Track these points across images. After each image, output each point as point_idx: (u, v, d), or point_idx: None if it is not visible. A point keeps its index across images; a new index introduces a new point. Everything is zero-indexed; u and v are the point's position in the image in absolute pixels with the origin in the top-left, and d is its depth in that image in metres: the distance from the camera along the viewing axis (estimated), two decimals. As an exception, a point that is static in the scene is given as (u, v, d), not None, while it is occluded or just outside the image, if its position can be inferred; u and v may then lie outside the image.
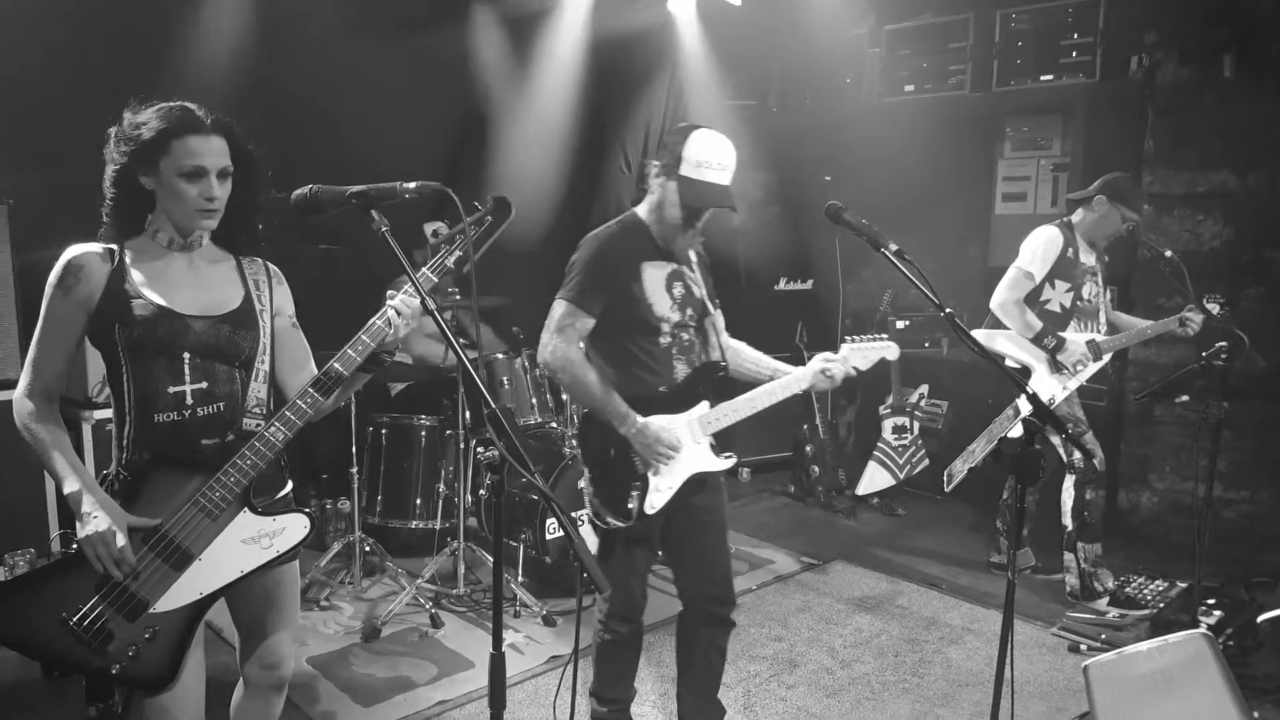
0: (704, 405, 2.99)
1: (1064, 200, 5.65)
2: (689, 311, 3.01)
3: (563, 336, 2.89)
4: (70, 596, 2.11)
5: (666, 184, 2.92)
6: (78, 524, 2.10)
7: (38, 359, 2.21)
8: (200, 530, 2.17)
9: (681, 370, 2.99)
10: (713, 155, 2.87)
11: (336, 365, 2.23)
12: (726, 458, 3.04)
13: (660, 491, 2.91)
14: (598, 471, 2.97)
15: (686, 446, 2.94)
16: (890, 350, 3.07)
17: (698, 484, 2.98)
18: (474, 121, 5.97)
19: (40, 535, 4.23)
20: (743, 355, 3.23)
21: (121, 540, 2.09)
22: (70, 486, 2.14)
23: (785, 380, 3.03)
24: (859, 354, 3.05)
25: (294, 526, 2.28)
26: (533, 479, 1.83)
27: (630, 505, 2.89)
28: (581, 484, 3.08)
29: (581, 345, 2.94)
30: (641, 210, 3.06)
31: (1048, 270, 4.59)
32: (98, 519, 2.08)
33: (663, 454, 2.87)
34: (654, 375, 2.96)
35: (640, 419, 2.86)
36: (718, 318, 3.16)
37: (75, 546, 2.09)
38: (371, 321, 2.25)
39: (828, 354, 3.04)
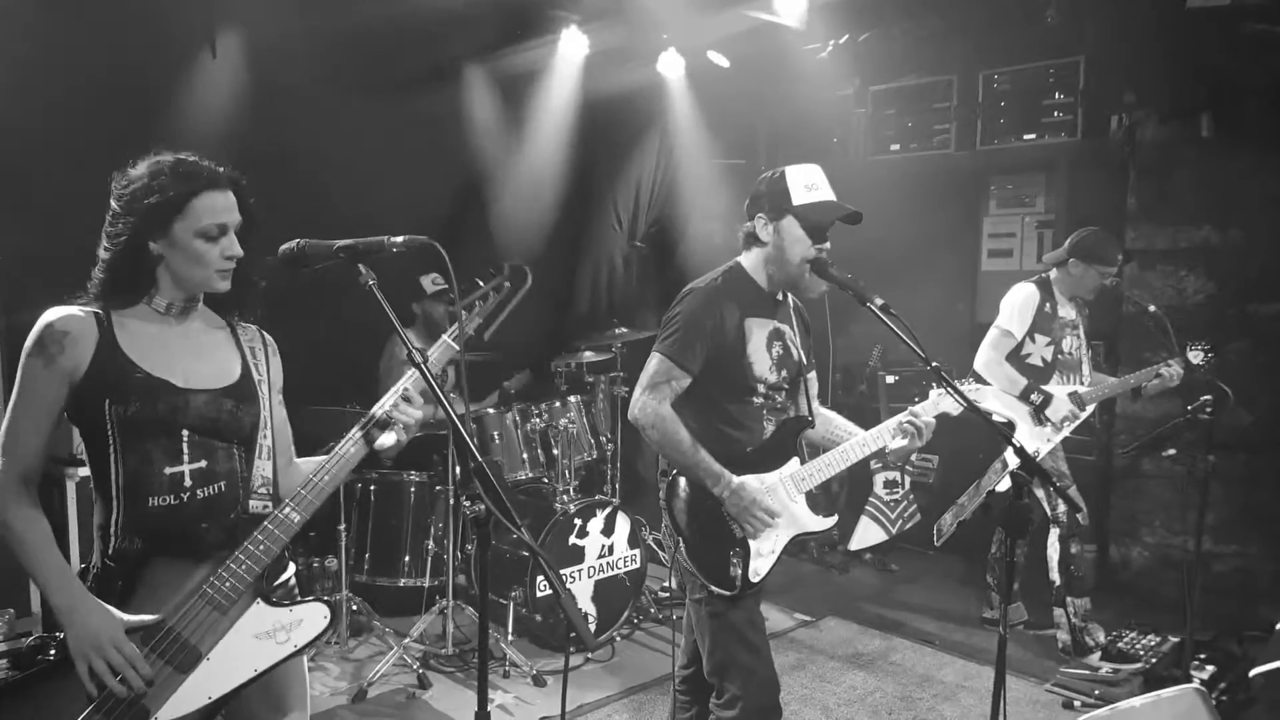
0: (794, 462, 2.86)
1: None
2: (784, 373, 2.89)
3: (655, 394, 2.75)
4: (54, 713, 1.86)
5: (780, 225, 2.79)
6: (68, 631, 1.86)
7: (13, 437, 1.96)
8: (208, 626, 1.94)
9: (769, 429, 2.87)
10: (816, 178, 2.81)
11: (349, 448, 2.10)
12: (826, 517, 2.90)
13: (763, 556, 2.76)
14: (693, 538, 2.77)
15: (784, 506, 2.81)
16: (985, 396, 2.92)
17: None
18: (467, 180, 6.03)
19: (18, 595, 4.01)
20: (833, 424, 3.07)
21: (131, 646, 1.86)
22: (61, 594, 1.89)
23: (876, 430, 2.88)
24: (948, 399, 2.87)
25: (312, 618, 2.05)
26: (520, 534, 1.80)
27: (734, 574, 2.71)
28: (667, 551, 2.87)
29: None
30: (746, 262, 2.90)
31: (1027, 326, 4.66)
32: (100, 624, 1.86)
33: (759, 519, 2.71)
34: (744, 433, 2.82)
35: (735, 479, 2.71)
36: (812, 382, 3.06)
37: (47, 653, 1.85)
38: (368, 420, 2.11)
39: (923, 403, 2.90)
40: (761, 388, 2.84)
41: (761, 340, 2.84)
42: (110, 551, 1.99)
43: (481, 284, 2.40)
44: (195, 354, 2.10)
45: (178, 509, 2.01)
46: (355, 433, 2.11)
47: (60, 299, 2.05)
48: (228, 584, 1.96)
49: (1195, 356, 4.50)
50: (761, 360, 2.83)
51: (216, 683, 1.95)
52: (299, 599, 2.11)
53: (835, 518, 2.95)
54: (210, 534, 2.03)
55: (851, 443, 2.90)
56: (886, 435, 2.86)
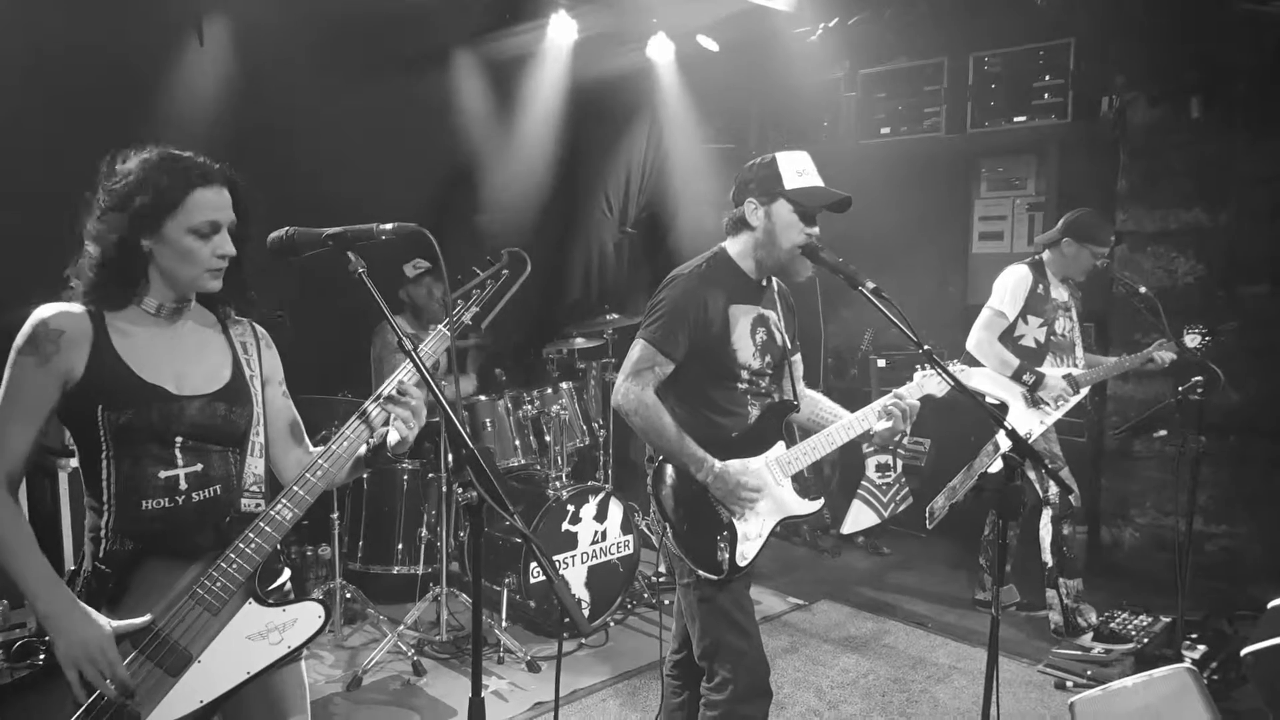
0: (780, 446, 2.86)
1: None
2: (768, 358, 2.88)
3: (638, 380, 2.74)
4: (43, 718, 1.82)
5: (771, 208, 2.77)
6: (56, 639, 1.81)
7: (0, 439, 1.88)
8: (199, 627, 1.88)
9: (754, 414, 2.87)
10: (806, 163, 2.80)
11: (345, 444, 2.04)
12: (813, 500, 2.90)
13: (750, 540, 2.76)
14: (680, 524, 2.78)
15: (769, 489, 2.81)
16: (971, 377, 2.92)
17: None
18: (456, 166, 6.00)
19: (13, 586, 4.01)
20: (819, 406, 3.06)
21: (114, 653, 1.81)
22: (48, 602, 1.83)
23: (861, 413, 2.87)
24: (932, 380, 2.88)
25: (306, 618, 2.00)
26: (513, 520, 1.80)
27: (721, 558, 2.72)
28: (658, 538, 2.87)
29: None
30: (732, 248, 2.88)
31: (1020, 308, 4.66)
32: (85, 631, 1.81)
33: (746, 497, 2.71)
34: (727, 418, 2.82)
35: (718, 463, 2.71)
36: (797, 364, 3.06)
37: (40, 659, 1.80)
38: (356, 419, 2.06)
39: (907, 385, 2.89)
40: (745, 374, 2.84)
41: (746, 327, 2.84)
42: (101, 554, 1.94)
43: (479, 272, 2.38)
44: (187, 358, 2.04)
45: (172, 511, 1.96)
46: (350, 426, 2.07)
47: (44, 292, 1.98)
48: (218, 584, 1.91)
49: (1192, 340, 4.51)
50: (745, 347, 2.83)
51: (208, 686, 1.90)
52: (293, 600, 2.07)
53: (822, 501, 2.95)
54: (203, 536, 1.98)
55: (836, 426, 2.90)
56: (871, 418, 2.86)
